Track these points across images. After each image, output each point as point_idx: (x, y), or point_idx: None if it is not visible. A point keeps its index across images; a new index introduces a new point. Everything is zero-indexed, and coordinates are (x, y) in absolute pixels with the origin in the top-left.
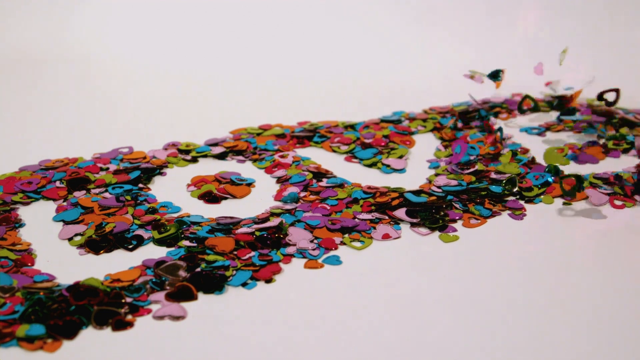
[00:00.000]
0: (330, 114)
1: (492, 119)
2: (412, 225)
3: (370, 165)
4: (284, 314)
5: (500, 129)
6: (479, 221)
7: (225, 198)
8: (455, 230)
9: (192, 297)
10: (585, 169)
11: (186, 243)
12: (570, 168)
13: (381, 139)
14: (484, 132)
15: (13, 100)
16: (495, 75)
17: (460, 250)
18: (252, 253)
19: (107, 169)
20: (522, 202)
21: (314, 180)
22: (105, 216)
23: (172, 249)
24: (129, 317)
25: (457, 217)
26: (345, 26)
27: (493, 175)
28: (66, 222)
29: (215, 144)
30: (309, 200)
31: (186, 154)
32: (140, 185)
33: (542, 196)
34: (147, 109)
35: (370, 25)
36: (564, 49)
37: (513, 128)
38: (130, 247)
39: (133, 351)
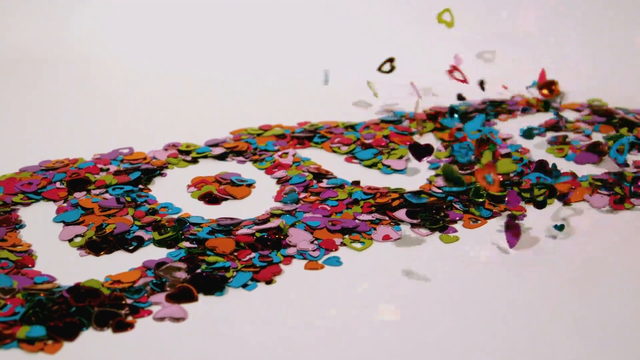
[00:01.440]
0: (330, 114)
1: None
2: (413, 226)
3: (370, 166)
4: (284, 315)
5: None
6: (480, 222)
7: (226, 199)
8: (455, 231)
9: (192, 299)
10: (584, 170)
11: (186, 244)
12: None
13: (381, 140)
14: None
15: (13, 100)
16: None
17: (460, 251)
18: (253, 254)
19: (108, 169)
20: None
21: (314, 181)
22: (105, 217)
23: (173, 250)
24: (130, 318)
25: (457, 218)
26: (345, 26)
27: None
28: (66, 223)
29: (216, 145)
30: (309, 201)
31: (186, 154)
32: (141, 186)
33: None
34: (147, 109)
35: (370, 25)
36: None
37: (513, 128)
38: (131, 248)
39: (133, 352)
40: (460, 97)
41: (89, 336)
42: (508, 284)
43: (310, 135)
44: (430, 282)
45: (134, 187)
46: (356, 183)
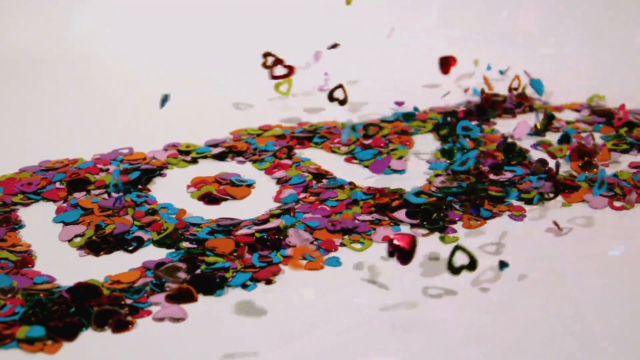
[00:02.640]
0: (330, 114)
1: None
2: (412, 226)
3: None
4: (284, 315)
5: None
6: (479, 222)
7: (225, 199)
8: (455, 231)
9: (192, 299)
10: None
11: (186, 244)
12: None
13: (380, 139)
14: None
15: (13, 100)
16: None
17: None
18: (247, 249)
19: (107, 170)
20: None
21: (314, 182)
22: (105, 217)
23: (172, 250)
24: (129, 318)
25: (456, 218)
26: (345, 26)
27: (492, 177)
28: (66, 224)
29: (215, 145)
30: (308, 201)
31: (186, 154)
32: (140, 186)
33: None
34: (147, 109)
35: (370, 25)
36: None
37: (511, 128)
38: (130, 248)
39: (133, 353)
40: (398, 103)
41: (89, 336)
42: (507, 284)
43: (309, 136)
44: (430, 283)
45: (133, 187)
46: (352, 184)
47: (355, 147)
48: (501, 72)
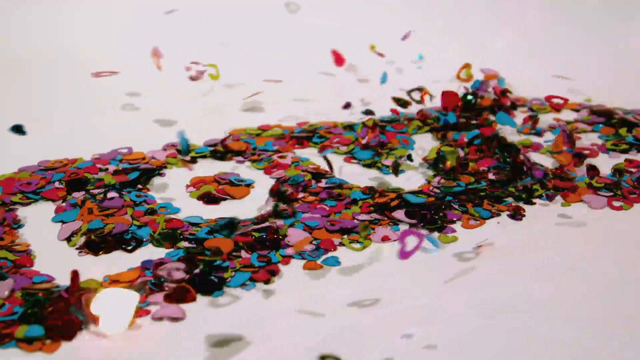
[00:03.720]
0: (329, 114)
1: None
2: (411, 226)
3: (369, 166)
4: (282, 315)
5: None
6: (478, 222)
7: (225, 199)
8: (454, 231)
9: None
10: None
11: (185, 244)
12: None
13: (377, 131)
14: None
15: (13, 100)
16: None
17: (459, 251)
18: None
19: (107, 169)
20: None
21: (313, 181)
22: (104, 217)
23: (171, 249)
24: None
25: (455, 218)
26: (344, 27)
27: (491, 176)
28: (65, 223)
29: (215, 145)
30: (308, 201)
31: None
32: (139, 186)
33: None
34: (147, 109)
35: (370, 25)
36: None
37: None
38: (129, 248)
39: (132, 352)
40: (368, 112)
41: (88, 336)
42: (507, 284)
43: (309, 136)
44: (429, 282)
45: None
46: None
47: (355, 147)
48: (420, 57)
